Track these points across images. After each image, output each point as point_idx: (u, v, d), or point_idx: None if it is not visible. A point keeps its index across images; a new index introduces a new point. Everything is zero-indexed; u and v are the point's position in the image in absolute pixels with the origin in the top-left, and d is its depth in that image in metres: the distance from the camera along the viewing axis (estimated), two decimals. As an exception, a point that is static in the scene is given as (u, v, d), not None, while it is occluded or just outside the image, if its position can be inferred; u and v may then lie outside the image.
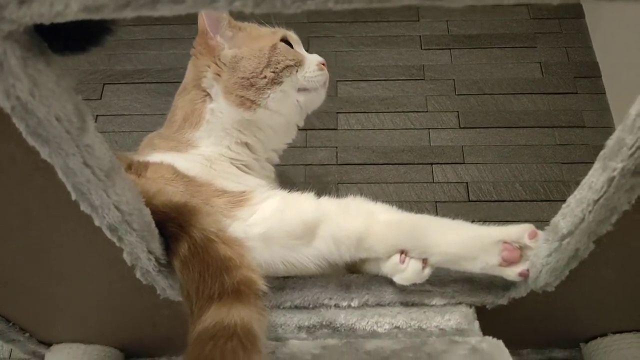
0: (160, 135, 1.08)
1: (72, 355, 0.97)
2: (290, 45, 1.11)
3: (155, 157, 0.96)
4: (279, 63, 1.04)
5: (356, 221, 0.81)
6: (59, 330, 0.96)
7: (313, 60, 1.11)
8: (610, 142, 0.60)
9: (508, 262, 0.77)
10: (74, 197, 0.57)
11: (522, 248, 0.78)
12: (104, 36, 0.47)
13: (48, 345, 0.99)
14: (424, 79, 1.71)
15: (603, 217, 0.64)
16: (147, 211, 0.69)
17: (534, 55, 1.73)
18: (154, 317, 0.91)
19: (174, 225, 0.71)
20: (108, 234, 0.63)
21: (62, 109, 0.48)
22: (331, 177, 1.56)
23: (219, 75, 1.04)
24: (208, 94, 1.06)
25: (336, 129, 1.64)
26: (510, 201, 1.50)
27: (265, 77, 1.02)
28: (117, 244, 0.66)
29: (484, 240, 0.78)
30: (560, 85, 1.67)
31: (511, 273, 0.78)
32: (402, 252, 0.80)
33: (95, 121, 1.57)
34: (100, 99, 1.70)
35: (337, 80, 1.71)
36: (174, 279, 0.75)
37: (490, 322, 0.85)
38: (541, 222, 1.38)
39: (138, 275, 0.73)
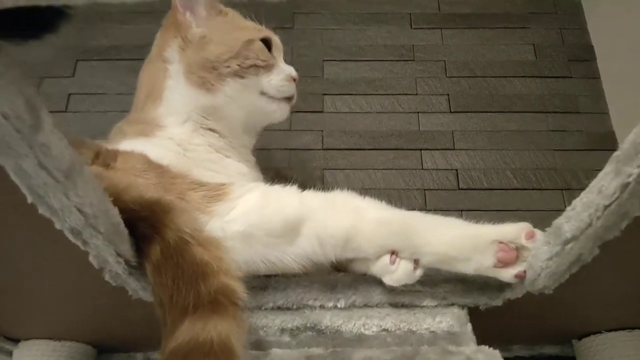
0: (127, 120, 1.03)
1: (41, 351, 0.94)
2: (269, 48, 1.07)
3: (125, 145, 0.90)
4: (247, 59, 1.00)
5: (343, 219, 0.77)
6: (27, 326, 0.93)
7: (284, 70, 1.07)
8: (625, 146, 0.55)
9: (504, 264, 0.74)
10: (30, 200, 0.52)
11: (518, 248, 0.75)
12: (59, 21, 0.42)
13: (16, 341, 0.96)
14: (413, 60, 1.66)
15: (612, 222, 0.61)
16: (115, 212, 0.64)
17: (528, 37, 1.69)
18: (127, 316, 0.88)
19: (146, 225, 0.67)
20: (71, 237, 0.59)
21: (10, 105, 0.43)
22: (316, 162, 1.52)
23: (183, 50, 0.99)
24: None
25: (322, 112, 1.60)
26: (500, 189, 1.47)
27: (229, 66, 0.99)
28: (82, 248, 0.61)
29: (478, 240, 0.75)
30: (554, 69, 1.63)
31: (507, 275, 0.75)
32: (392, 252, 0.77)
33: (67, 100, 1.55)
34: (73, 76, 1.63)
35: (324, 60, 1.66)
36: (146, 281, 0.71)
37: (482, 320, 0.83)
38: (532, 212, 1.44)
39: (107, 277, 0.69)
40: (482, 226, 0.77)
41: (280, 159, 1.52)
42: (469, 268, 0.76)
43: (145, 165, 0.83)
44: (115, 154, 0.85)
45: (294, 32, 1.67)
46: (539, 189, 1.47)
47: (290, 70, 1.08)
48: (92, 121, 1.52)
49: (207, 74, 0.98)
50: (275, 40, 1.10)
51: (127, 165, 0.82)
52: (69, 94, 1.60)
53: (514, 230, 0.75)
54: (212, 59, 0.99)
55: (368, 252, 0.78)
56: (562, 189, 1.45)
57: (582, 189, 0.64)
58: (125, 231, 0.66)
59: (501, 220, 0.77)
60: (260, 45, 1.04)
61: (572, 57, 1.65)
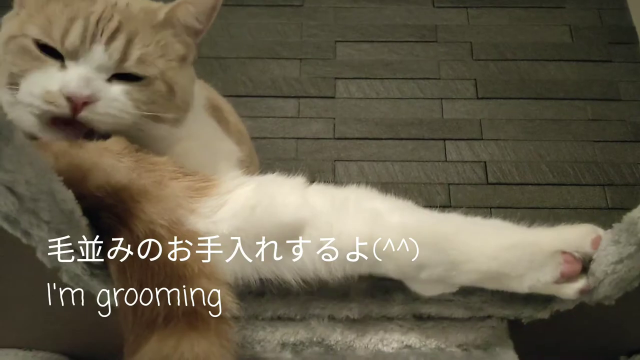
0: None
1: (7, 363, 0.88)
2: (45, 48, 0.68)
3: None
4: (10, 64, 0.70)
5: (355, 225, 0.64)
6: (-9, 334, 0.87)
7: (45, 78, 0.68)
8: None
9: (567, 278, 0.62)
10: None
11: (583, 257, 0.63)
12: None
13: (-21, 351, 0.89)
14: (436, 42, 1.63)
15: None
16: (67, 196, 0.53)
17: (563, 17, 1.65)
18: (103, 323, 0.78)
19: (111, 215, 0.57)
20: (6, 226, 0.50)
21: None
22: (327, 153, 1.47)
23: None
24: None
25: (334, 97, 1.55)
26: (535, 184, 1.42)
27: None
28: (24, 241, 0.52)
29: (535, 251, 0.62)
30: (593, 52, 1.59)
31: (570, 291, 0.63)
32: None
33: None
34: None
35: (336, 41, 1.61)
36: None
37: (518, 334, 0.75)
38: (571, 210, 1.38)
39: (65, 279, 0.61)
40: (538, 231, 0.64)
41: (287, 149, 1.46)
42: (522, 286, 0.64)
43: (122, 146, 0.70)
44: None
45: (304, 10, 1.63)
46: (578, 184, 1.42)
47: (64, 83, 0.65)
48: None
49: None
50: (73, 32, 0.67)
51: (100, 144, 0.70)
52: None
53: (579, 236, 0.63)
54: None
55: (389, 270, 0.65)
56: (603, 185, 1.40)
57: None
58: (84, 221, 0.56)
59: (534, 219, 0.66)
60: (18, 44, 0.70)
61: (612, 40, 1.61)
